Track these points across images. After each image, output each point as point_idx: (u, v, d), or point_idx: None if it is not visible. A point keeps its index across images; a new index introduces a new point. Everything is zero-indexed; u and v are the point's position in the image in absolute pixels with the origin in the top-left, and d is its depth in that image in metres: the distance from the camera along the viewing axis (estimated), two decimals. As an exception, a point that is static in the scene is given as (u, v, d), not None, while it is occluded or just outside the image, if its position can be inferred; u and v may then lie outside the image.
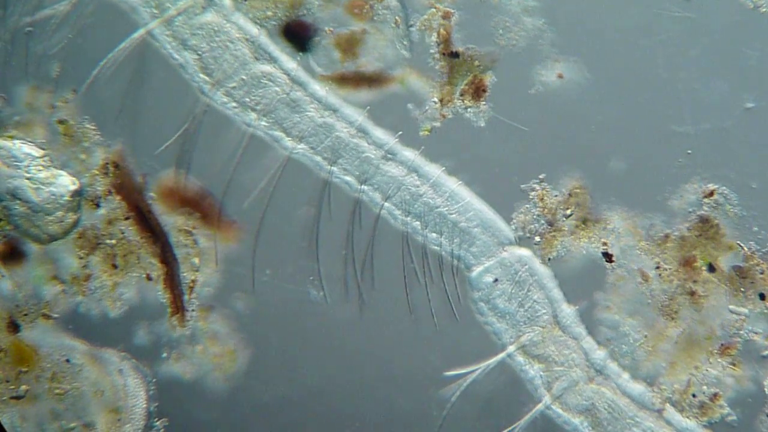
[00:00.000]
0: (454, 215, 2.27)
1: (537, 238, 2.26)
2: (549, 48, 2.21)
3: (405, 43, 2.23)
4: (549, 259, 2.26)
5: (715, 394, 2.23)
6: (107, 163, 2.34)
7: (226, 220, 2.33)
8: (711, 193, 2.19)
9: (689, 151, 2.19)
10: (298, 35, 2.26)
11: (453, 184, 2.27)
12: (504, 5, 2.21)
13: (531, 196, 2.25)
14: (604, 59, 2.21)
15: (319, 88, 2.27)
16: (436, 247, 2.29)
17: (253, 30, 2.27)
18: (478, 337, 2.30)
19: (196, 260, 2.37)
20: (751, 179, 2.18)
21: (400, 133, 2.27)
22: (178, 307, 2.37)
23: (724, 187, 2.19)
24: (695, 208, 2.21)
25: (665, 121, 2.20)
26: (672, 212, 2.23)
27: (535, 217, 2.26)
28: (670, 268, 2.23)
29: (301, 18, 2.25)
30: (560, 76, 2.20)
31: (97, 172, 2.35)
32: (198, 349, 2.38)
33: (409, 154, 2.27)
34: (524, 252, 2.27)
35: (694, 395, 2.23)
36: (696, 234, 2.21)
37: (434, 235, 2.28)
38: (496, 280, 2.26)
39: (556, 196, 2.25)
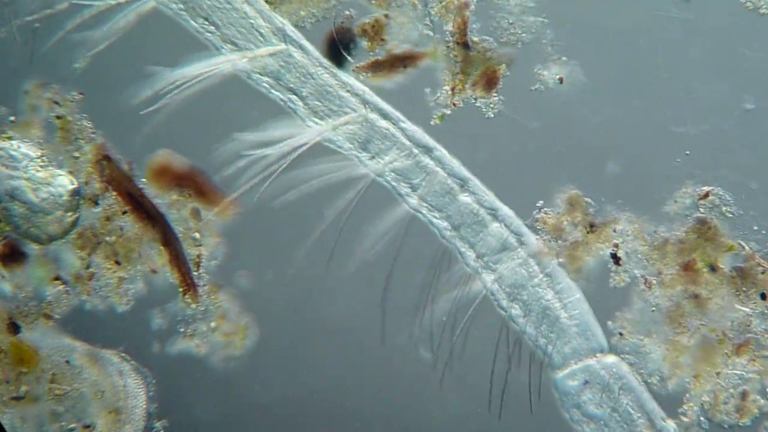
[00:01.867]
0: (559, 310, 2.27)
1: (560, 260, 2.26)
2: (550, 48, 2.22)
3: (427, 22, 2.23)
4: (578, 272, 2.27)
5: (744, 392, 2.23)
6: (100, 159, 2.34)
7: (220, 194, 2.33)
8: (706, 195, 2.20)
9: (687, 152, 2.20)
10: (341, 44, 2.27)
11: (566, 278, 2.27)
12: (505, 4, 2.22)
13: (539, 227, 2.26)
14: (605, 60, 2.21)
15: (447, 154, 2.28)
16: (527, 334, 2.29)
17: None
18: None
19: (197, 234, 2.36)
20: (751, 180, 2.18)
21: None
22: (189, 284, 2.37)
23: (719, 188, 2.20)
24: (691, 210, 2.22)
25: (665, 122, 2.21)
26: (669, 216, 2.23)
27: (549, 241, 2.27)
28: (672, 273, 2.24)
29: (339, 27, 2.26)
30: (561, 80, 2.21)
31: (91, 170, 2.35)
32: (211, 325, 2.39)
33: (533, 240, 2.27)
34: (613, 359, 2.26)
35: (725, 402, 2.24)
36: (694, 236, 2.22)
37: (530, 325, 2.28)
38: (586, 381, 2.25)
39: (558, 213, 2.25)
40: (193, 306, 2.38)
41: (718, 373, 2.23)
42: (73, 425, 2.40)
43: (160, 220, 2.36)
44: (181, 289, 2.38)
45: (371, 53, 2.27)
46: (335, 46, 2.27)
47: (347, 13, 2.24)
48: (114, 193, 2.36)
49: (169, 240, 2.36)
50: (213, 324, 2.38)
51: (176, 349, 2.39)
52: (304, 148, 2.29)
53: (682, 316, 2.23)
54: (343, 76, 2.28)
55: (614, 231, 2.25)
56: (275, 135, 2.29)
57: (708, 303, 2.22)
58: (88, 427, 2.40)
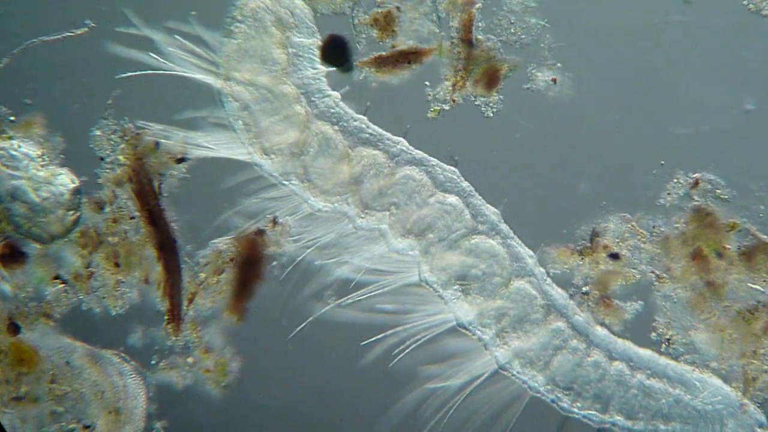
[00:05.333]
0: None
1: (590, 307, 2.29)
2: (550, 48, 2.23)
3: (434, 18, 2.23)
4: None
5: None
6: (135, 163, 2.34)
7: (244, 306, 2.36)
8: (696, 183, 2.21)
9: (663, 162, 2.22)
10: (336, 52, 2.28)
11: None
12: (506, 2, 2.23)
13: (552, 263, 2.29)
14: (605, 62, 2.23)
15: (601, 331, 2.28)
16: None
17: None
18: None
19: (202, 275, 2.36)
20: (749, 179, 2.20)
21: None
22: (175, 316, 2.37)
23: (708, 174, 2.21)
24: (686, 201, 2.23)
25: (665, 123, 2.22)
26: (665, 211, 2.24)
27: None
28: (681, 266, 2.25)
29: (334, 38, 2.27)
30: (554, 81, 2.22)
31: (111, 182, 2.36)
32: (189, 360, 2.38)
33: None
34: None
35: (753, 378, 2.24)
36: (695, 225, 2.23)
37: None
38: None
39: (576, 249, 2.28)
40: (173, 338, 2.38)
41: (754, 352, 2.24)
42: (73, 425, 2.39)
43: (171, 246, 2.35)
44: (166, 318, 2.37)
45: (380, 42, 2.27)
46: (338, 53, 2.28)
47: (396, 5, 2.24)
48: (133, 201, 2.35)
49: (171, 268, 2.36)
50: (190, 359, 2.38)
51: (155, 378, 2.40)
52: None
53: (704, 301, 2.24)
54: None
55: (609, 231, 2.26)
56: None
57: (723, 290, 2.22)
58: (88, 427, 2.39)
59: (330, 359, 2.34)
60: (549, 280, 2.28)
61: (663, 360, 2.26)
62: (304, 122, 2.28)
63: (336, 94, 2.29)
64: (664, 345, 2.26)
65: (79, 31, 2.30)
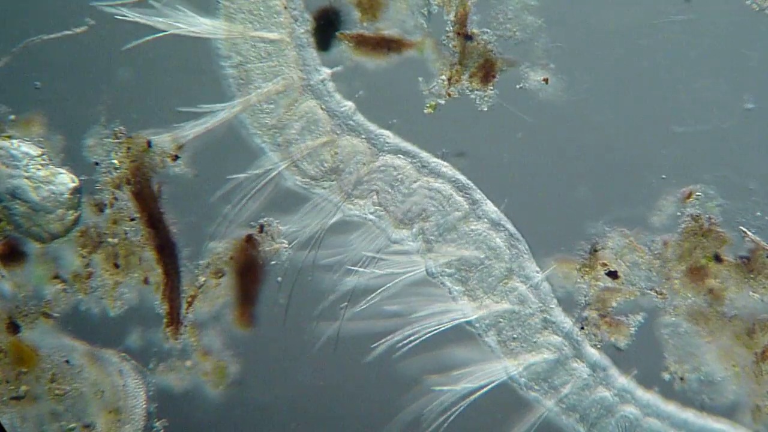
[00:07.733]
0: None
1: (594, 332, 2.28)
2: (547, 47, 2.22)
3: (424, 12, 2.22)
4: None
5: None
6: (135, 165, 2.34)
7: (249, 313, 2.36)
8: (689, 195, 2.21)
9: (664, 176, 2.22)
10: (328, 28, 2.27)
11: None
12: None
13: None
14: (604, 60, 2.22)
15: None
16: None
17: None
18: None
19: (202, 278, 2.36)
20: (748, 179, 2.19)
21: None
22: (174, 319, 2.37)
23: (701, 185, 2.20)
24: (681, 211, 2.23)
25: (665, 124, 2.22)
26: (660, 223, 2.24)
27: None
28: (680, 278, 2.24)
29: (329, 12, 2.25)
30: (546, 81, 2.22)
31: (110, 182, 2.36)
32: (188, 363, 2.38)
33: None
34: None
35: (758, 407, 2.23)
36: (692, 234, 2.23)
37: None
38: None
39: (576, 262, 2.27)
40: (172, 341, 2.38)
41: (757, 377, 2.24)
42: (73, 425, 2.39)
43: (170, 249, 2.35)
44: (165, 321, 2.37)
45: (360, 25, 2.26)
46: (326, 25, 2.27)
47: None
48: (133, 203, 2.36)
49: (170, 271, 2.36)
50: (189, 363, 2.38)
51: (155, 380, 2.40)
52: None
53: (706, 318, 2.23)
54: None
55: (604, 249, 2.25)
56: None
57: (724, 293, 2.21)
58: (88, 426, 2.39)
59: (333, 361, 2.35)
60: (555, 302, 2.27)
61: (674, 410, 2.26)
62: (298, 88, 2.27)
63: (327, 71, 2.28)
64: (678, 383, 2.25)
65: (79, 30, 2.30)
